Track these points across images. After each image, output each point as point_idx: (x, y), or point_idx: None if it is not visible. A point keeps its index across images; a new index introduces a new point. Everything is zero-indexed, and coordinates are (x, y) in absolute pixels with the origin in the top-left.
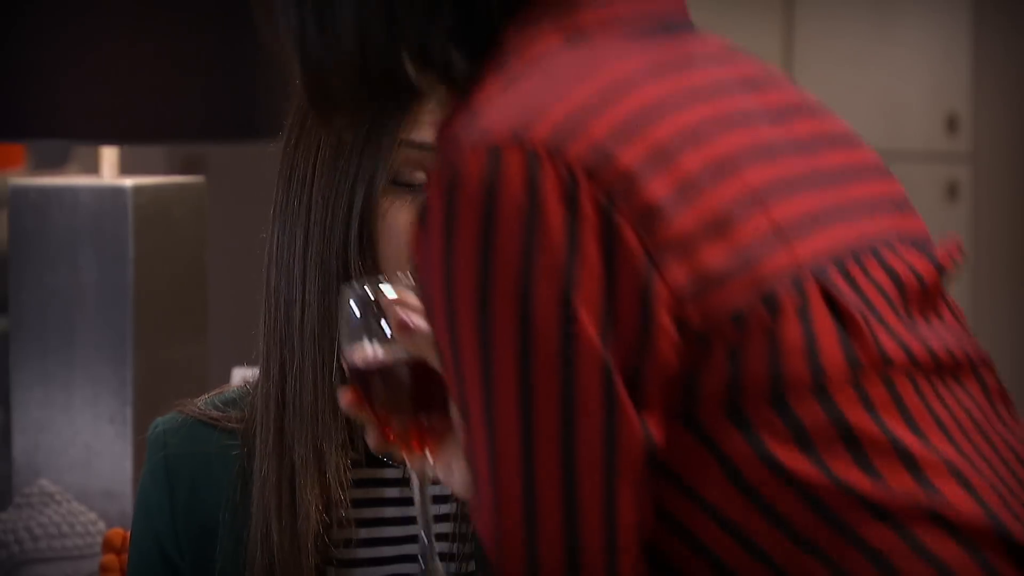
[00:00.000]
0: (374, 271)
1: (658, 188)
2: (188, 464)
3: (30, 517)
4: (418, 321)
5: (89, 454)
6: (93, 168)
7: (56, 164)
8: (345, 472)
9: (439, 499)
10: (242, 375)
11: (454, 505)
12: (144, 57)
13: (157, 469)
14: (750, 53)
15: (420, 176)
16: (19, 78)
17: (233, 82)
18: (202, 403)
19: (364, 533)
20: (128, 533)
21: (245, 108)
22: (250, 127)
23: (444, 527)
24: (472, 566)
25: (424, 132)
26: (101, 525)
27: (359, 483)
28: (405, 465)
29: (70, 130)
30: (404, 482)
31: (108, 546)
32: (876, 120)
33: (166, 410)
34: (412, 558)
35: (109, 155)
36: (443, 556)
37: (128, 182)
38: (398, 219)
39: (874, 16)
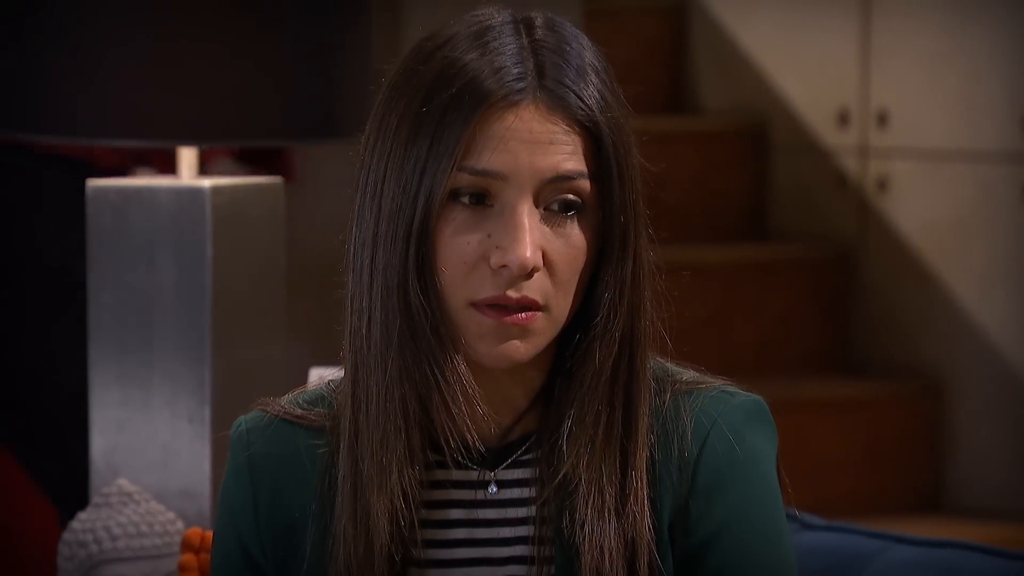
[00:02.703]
0: (431, 289)
1: None
2: (272, 464)
3: (109, 516)
4: None
5: (167, 454)
6: (171, 169)
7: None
8: (410, 483)
9: (517, 502)
10: (319, 375)
11: (532, 508)
12: (222, 58)
13: (241, 469)
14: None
15: (477, 197)
16: (96, 81)
17: (311, 82)
18: (285, 402)
19: (440, 535)
20: (206, 532)
21: (322, 108)
22: (327, 127)
23: (523, 530)
24: (552, 570)
25: (483, 159)
26: (179, 524)
27: (440, 484)
28: (482, 468)
29: (148, 131)
30: (481, 484)
31: (186, 545)
32: (953, 120)
33: (244, 410)
34: (481, 561)
35: (187, 156)
36: (523, 560)
37: (206, 182)
38: (454, 239)
39: (951, 16)
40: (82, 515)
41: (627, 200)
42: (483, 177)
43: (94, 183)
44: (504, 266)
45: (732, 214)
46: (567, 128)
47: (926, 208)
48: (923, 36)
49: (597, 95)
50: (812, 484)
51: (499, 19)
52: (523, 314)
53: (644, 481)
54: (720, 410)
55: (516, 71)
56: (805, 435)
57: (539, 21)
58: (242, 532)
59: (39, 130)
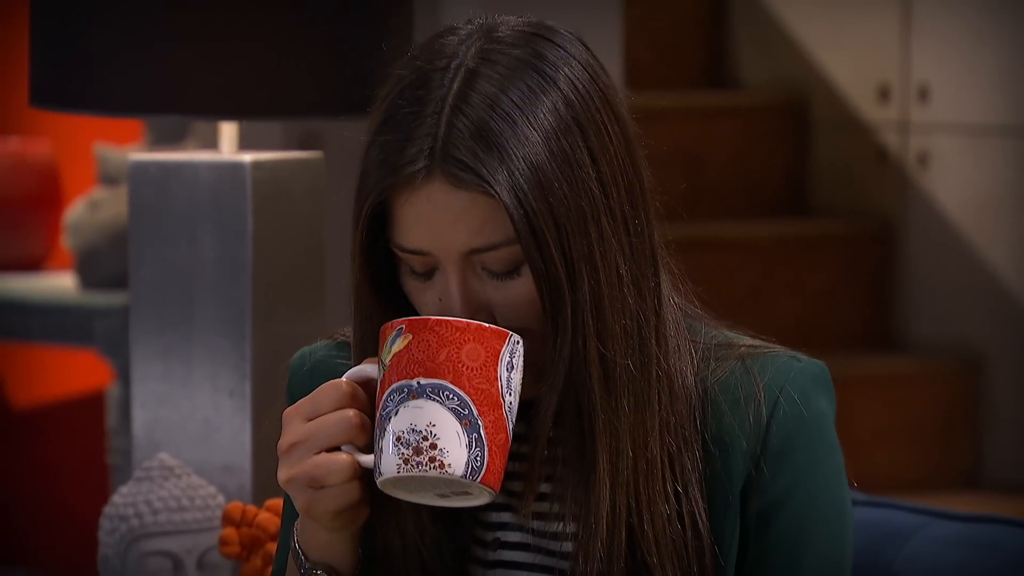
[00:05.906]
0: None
1: None
2: (331, 375)
3: (150, 491)
4: None
5: (208, 428)
6: (212, 144)
7: (175, 140)
8: None
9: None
10: None
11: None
12: (261, 33)
13: (299, 374)
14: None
15: (420, 268)
16: (138, 55)
17: (350, 58)
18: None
19: (491, 516)
20: (247, 507)
21: (361, 84)
22: (366, 103)
23: (566, 526)
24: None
25: (402, 237)
26: (220, 499)
27: None
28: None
29: (189, 106)
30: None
31: (227, 519)
32: (994, 95)
33: (284, 385)
34: (531, 547)
35: (228, 131)
36: (566, 555)
37: (247, 158)
38: (420, 302)
39: None
40: (123, 489)
41: (553, 257)
42: (410, 254)
43: (135, 158)
44: None
45: (773, 190)
46: (473, 201)
47: (967, 183)
48: (964, 11)
49: (500, 158)
50: (852, 459)
51: (443, 61)
52: None
53: (666, 486)
54: (789, 375)
55: (414, 150)
56: (845, 411)
57: (494, 53)
58: None
59: (83, 105)
